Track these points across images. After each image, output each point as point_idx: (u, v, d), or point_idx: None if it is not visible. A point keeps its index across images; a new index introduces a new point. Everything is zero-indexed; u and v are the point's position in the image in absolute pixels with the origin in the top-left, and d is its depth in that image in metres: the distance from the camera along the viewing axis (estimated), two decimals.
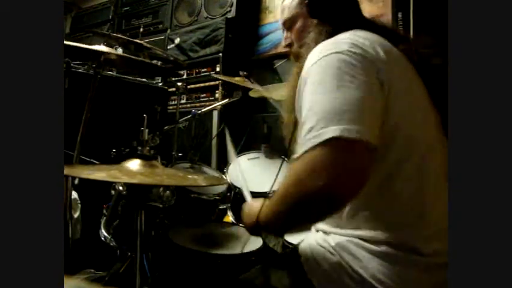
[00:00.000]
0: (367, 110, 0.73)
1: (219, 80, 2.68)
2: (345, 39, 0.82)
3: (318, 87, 0.76)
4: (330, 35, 0.88)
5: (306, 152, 0.72)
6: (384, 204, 0.80)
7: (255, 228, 0.89)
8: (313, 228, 0.95)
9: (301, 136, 0.75)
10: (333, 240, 0.84)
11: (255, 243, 1.25)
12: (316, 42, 0.88)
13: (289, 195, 0.75)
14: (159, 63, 2.49)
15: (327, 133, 0.70)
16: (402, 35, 1.01)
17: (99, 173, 0.91)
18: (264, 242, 1.25)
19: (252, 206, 0.91)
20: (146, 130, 1.03)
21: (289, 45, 1.12)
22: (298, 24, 1.07)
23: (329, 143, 0.70)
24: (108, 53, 1.24)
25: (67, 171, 0.90)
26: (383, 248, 0.78)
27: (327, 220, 0.88)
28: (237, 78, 1.95)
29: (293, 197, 0.74)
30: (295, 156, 0.78)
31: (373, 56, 0.80)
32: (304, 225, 0.84)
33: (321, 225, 0.90)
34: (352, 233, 0.82)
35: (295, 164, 0.75)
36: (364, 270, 0.78)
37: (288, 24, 1.11)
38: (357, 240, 0.81)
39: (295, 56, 1.09)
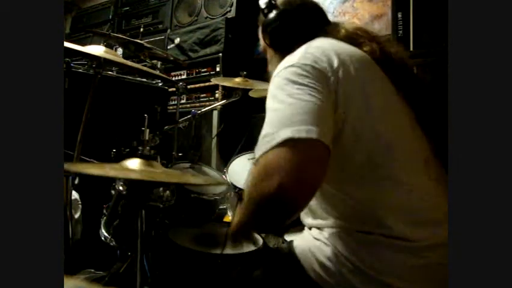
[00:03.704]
0: (316, 113, 0.76)
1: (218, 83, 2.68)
2: (298, 53, 0.86)
3: (272, 101, 0.81)
4: (289, 51, 0.91)
5: (260, 156, 0.74)
6: (364, 199, 0.83)
7: (234, 236, 0.90)
8: (306, 227, 0.96)
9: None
10: (327, 233, 0.86)
11: (255, 243, 1.24)
12: (278, 62, 0.91)
13: (248, 202, 0.77)
14: (159, 63, 2.49)
15: (279, 136, 0.72)
16: (367, 36, 1.00)
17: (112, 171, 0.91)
18: (264, 242, 1.25)
19: None
20: (147, 130, 1.03)
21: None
22: (268, 53, 1.10)
23: (281, 145, 0.72)
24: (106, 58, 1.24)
25: (79, 168, 0.89)
26: (372, 237, 0.80)
27: (319, 216, 0.90)
28: (237, 79, 1.95)
29: (251, 202, 0.76)
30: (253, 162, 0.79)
31: (323, 63, 0.83)
32: (273, 227, 0.84)
33: (314, 222, 0.91)
34: (343, 225, 0.84)
35: (252, 170, 0.77)
36: (357, 258, 0.79)
37: (264, 52, 1.14)
38: (348, 230, 0.83)
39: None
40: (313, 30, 1.01)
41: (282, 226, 0.80)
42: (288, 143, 0.72)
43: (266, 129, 0.77)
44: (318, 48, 0.87)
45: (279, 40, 1.03)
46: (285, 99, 0.78)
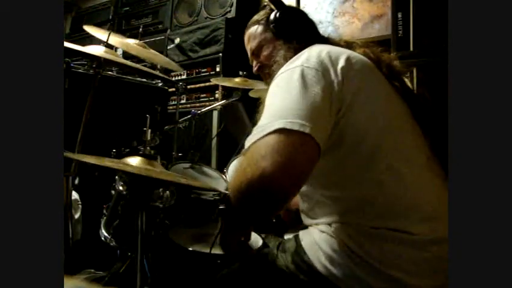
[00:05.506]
0: (313, 111, 0.77)
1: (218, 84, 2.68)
2: (303, 55, 0.89)
3: (271, 97, 0.83)
4: (296, 50, 0.98)
5: (250, 145, 0.75)
6: (369, 197, 0.84)
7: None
8: (313, 224, 0.96)
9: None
10: (333, 227, 0.87)
11: (255, 243, 1.24)
12: (285, 58, 0.98)
13: (234, 188, 0.77)
14: (158, 65, 2.49)
15: (272, 126, 0.73)
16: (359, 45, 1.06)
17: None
18: (264, 242, 1.25)
19: None
20: (149, 130, 1.03)
21: (260, 68, 1.20)
22: (266, 48, 1.14)
23: (272, 133, 0.73)
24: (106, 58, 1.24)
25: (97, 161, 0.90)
26: (378, 231, 0.82)
27: (325, 215, 0.91)
28: (237, 79, 1.95)
29: (237, 189, 0.76)
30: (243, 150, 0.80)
31: (326, 66, 0.85)
32: (256, 219, 0.85)
33: (320, 220, 0.93)
34: (350, 221, 0.86)
35: (239, 159, 0.79)
36: (364, 252, 0.81)
37: (257, 51, 1.18)
38: (355, 225, 0.84)
39: (267, 76, 1.16)
40: (317, 32, 1.09)
41: (266, 220, 0.81)
42: (279, 132, 0.72)
43: (261, 121, 0.78)
44: (322, 52, 0.89)
45: (291, 29, 1.08)
46: (284, 96, 0.80)
